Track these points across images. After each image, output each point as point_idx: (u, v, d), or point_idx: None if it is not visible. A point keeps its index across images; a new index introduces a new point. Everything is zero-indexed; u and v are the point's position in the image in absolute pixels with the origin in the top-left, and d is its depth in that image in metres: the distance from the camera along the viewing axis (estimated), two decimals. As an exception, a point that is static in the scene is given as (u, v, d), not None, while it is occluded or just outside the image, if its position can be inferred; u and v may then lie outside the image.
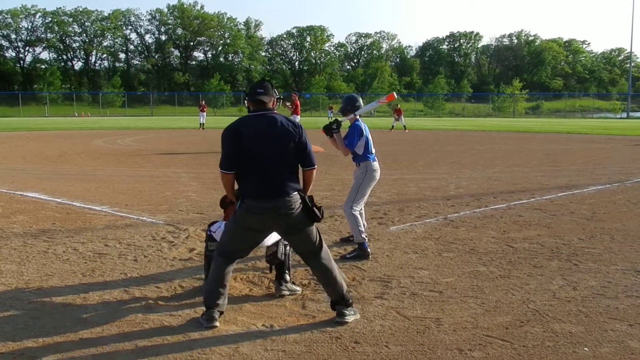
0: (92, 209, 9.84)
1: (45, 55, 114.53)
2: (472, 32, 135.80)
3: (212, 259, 5.04)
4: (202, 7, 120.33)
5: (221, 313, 4.82)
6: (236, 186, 4.96)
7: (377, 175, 7.21)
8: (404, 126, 40.36)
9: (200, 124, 41.15)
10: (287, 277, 5.58)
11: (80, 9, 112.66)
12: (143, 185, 12.81)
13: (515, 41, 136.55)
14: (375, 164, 7.18)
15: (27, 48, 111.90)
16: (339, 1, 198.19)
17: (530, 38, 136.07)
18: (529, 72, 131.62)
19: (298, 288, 5.61)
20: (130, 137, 32.10)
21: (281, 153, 4.77)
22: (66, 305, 5.18)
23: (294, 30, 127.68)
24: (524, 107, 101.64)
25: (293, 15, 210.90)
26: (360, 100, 7.30)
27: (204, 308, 4.82)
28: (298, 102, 23.58)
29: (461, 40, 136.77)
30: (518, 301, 5.32)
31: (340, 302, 4.87)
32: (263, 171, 4.75)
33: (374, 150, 7.23)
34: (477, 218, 9.25)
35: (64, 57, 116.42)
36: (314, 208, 4.81)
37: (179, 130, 41.29)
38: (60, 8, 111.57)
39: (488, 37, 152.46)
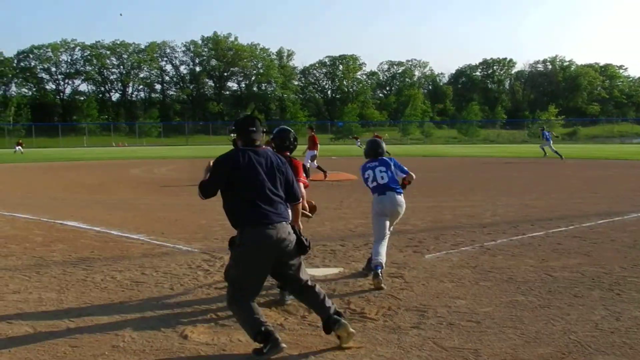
0: (130, 238, 9.95)
1: (84, 87, 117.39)
2: (506, 58, 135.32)
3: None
4: (235, 38, 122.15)
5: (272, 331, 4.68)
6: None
7: (378, 207, 7.55)
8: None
9: None
10: None
11: (118, 42, 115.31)
12: (179, 214, 12.92)
13: (550, 67, 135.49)
14: (377, 197, 7.54)
15: (66, 80, 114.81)
16: (370, 30, 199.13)
17: (565, 63, 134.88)
18: (565, 97, 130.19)
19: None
20: (166, 166, 32.50)
21: (273, 184, 4.97)
22: (104, 333, 5.21)
23: (326, 59, 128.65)
24: (560, 133, 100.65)
25: (325, 44, 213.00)
26: (383, 145, 7.97)
27: (256, 344, 4.66)
28: (315, 137, 22.73)
29: (494, 67, 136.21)
30: (559, 332, 5.19)
31: (331, 316, 4.86)
32: (260, 199, 4.85)
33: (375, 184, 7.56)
34: (515, 246, 9.11)
35: (102, 88, 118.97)
36: (302, 238, 4.96)
37: (213, 159, 41.62)
38: (98, 41, 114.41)
39: (522, 63, 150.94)
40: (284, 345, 4.61)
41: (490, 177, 23.84)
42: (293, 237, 4.89)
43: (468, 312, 5.79)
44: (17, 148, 55.83)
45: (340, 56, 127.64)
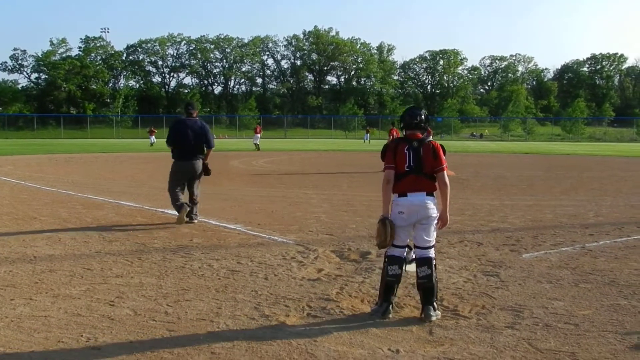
0: (227, 227, 10.21)
1: (187, 80, 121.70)
2: (616, 53, 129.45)
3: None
4: (337, 32, 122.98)
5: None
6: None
7: None
8: None
9: (255, 144, 44.05)
10: (436, 304, 5.45)
11: (222, 37, 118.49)
12: (275, 206, 13.14)
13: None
14: None
15: (172, 74, 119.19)
16: (472, 25, 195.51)
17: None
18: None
19: (439, 313, 5.47)
20: (264, 158, 33.12)
21: (194, 138, 10.33)
22: (200, 320, 5.37)
23: (427, 54, 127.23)
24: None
25: (426, 39, 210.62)
26: None
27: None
28: (394, 131, 25.40)
29: (603, 62, 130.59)
30: (664, 339, 4.94)
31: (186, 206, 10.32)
32: (184, 146, 10.29)
33: None
34: (619, 248, 8.72)
35: (205, 82, 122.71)
36: (208, 167, 10.61)
37: (310, 152, 42.10)
38: (203, 36, 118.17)
39: (633, 59, 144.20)
40: (187, 214, 10.25)
41: (595, 176, 22.88)
42: (199, 167, 10.38)
43: (566, 314, 5.59)
44: (151, 138, 53.81)
45: (440, 51, 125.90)
